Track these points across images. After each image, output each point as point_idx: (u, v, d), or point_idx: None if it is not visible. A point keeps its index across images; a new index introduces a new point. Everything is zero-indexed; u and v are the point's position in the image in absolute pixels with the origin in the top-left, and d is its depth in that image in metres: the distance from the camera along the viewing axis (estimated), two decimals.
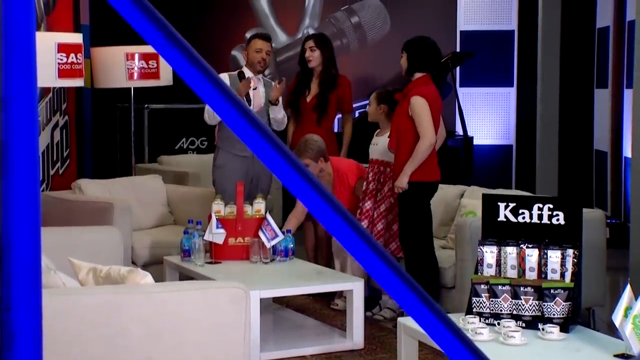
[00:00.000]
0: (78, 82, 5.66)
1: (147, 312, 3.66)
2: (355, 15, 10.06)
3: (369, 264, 1.22)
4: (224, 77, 6.61)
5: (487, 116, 10.07)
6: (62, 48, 5.53)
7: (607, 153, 9.21)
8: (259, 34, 6.84)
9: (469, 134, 9.08)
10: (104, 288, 3.70)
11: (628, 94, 8.37)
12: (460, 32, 10.01)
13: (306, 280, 5.48)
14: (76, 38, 5.69)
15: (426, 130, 5.65)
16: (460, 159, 8.76)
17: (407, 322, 4.47)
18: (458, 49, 9.84)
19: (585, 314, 5.73)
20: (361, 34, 10.07)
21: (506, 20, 10.02)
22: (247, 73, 6.60)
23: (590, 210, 5.87)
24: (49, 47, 5.42)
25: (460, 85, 9.74)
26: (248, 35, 9.82)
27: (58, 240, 5.11)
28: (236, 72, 6.66)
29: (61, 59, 5.49)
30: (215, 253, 5.93)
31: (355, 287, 5.33)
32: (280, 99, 6.61)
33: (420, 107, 5.68)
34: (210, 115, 6.51)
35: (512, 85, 10.04)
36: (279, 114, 6.61)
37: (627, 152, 8.07)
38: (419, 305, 1.23)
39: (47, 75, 5.38)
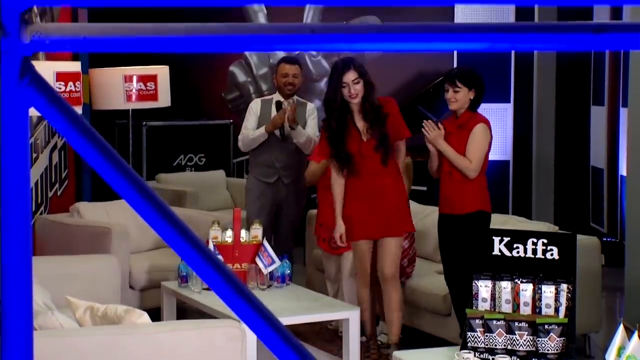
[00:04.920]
0: (77, 110, 5.68)
1: (144, 352, 3.69)
2: None
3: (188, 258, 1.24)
4: (256, 103, 6.71)
5: None
6: (61, 77, 5.56)
7: (603, 170, 9.23)
8: (284, 58, 6.75)
9: None
10: (101, 329, 3.73)
11: (624, 112, 8.39)
12: None
13: (303, 308, 5.50)
14: (74, 66, 5.72)
15: (477, 157, 5.64)
16: None
17: (402, 356, 4.50)
18: (455, 66, 9.86)
19: (580, 339, 5.76)
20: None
21: None
22: (278, 99, 6.58)
23: (585, 237, 5.90)
24: (48, 77, 5.44)
25: None
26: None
27: (56, 270, 5.16)
28: (271, 99, 6.65)
29: (59, 88, 5.51)
30: None
31: (352, 316, 5.36)
32: (290, 118, 6.37)
33: (482, 135, 5.72)
34: (245, 144, 6.62)
35: (509, 102, 10.07)
36: (300, 138, 6.50)
37: (623, 170, 8.09)
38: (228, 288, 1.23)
39: None
